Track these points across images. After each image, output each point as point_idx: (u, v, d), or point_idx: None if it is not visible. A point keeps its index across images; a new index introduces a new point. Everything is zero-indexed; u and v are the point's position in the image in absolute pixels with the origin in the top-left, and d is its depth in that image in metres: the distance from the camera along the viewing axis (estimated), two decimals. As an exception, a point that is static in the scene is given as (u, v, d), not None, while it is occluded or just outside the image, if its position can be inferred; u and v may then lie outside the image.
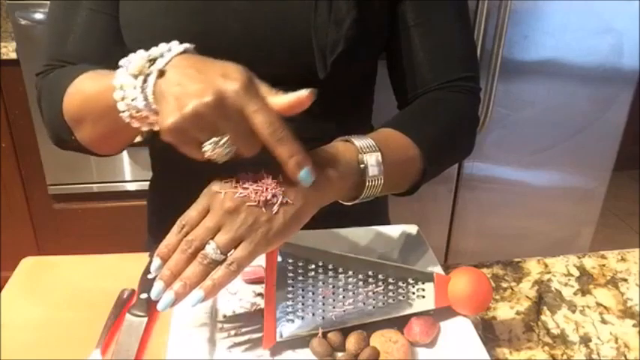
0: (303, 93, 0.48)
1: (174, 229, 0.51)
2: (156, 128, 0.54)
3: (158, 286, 0.50)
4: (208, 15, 0.67)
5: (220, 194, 0.51)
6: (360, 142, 0.58)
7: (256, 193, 0.51)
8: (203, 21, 0.67)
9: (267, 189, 0.51)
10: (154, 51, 0.51)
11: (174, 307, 0.50)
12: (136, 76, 0.50)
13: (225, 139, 0.48)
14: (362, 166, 0.57)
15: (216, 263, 0.50)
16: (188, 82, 0.47)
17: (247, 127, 0.47)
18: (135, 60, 0.51)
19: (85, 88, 0.62)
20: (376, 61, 0.78)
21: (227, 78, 0.47)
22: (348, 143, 0.58)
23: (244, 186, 0.51)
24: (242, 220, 0.50)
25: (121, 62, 0.52)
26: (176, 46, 0.52)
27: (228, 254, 0.50)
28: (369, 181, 0.57)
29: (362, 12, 0.67)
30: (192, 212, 0.51)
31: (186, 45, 0.52)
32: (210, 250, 0.50)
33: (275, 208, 0.51)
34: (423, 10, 0.72)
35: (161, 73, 0.49)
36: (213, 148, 0.48)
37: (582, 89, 1.75)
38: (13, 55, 1.55)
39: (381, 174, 0.58)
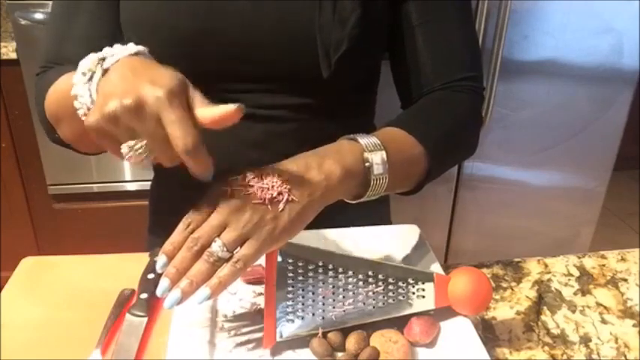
0: (231, 107, 0.46)
1: (180, 226, 0.51)
2: None
3: (164, 283, 0.50)
4: (211, 15, 0.67)
5: (226, 192, 0.51)
6: (365, 140, 0.58)
7: (262, 191, 0.51)
8: (205, 21, 0.67)
9: (272, 187, 0.51)
10: (107, 51, 0.51)
11: (180, 305, 0.50)
12: (85, 74, 0.51)
13: (141, 143, 0.47)
14: (367, 164, 0.57)
15: (222, 261, 0.50)
16: (118, 83, 0.47)
17: (165, 136, 0.46)
18: (87, 59, 0.51)
19: (61, 87, 0.62)
20: (380, 60, 0.78)
21: (154, 84, 0.46)
22: (353, 142, 0.58)
23: (250, 184, 0.51)
24: (248, 218, 0.50)
25: (80, 62, 0.52)
26: (130, 47, 0.52)
27: (234, 252, 0.50)
28: (374, 180, 0.58)
29: (366, 11, 0.67)
30: (198, 210, 0.51)
31: (139, 48, 0.52)
32: (217, 247, 0.50)
33: (281, 206, 0.51)
34: (427, 10, 0.73)
35: (105, 72, 0.50)
36: (128, 151, 0.48)
37: (582, 89, 1.75)
38: (13, 55, 1.55)
39: (386, 172, 0.58)
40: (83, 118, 0.52)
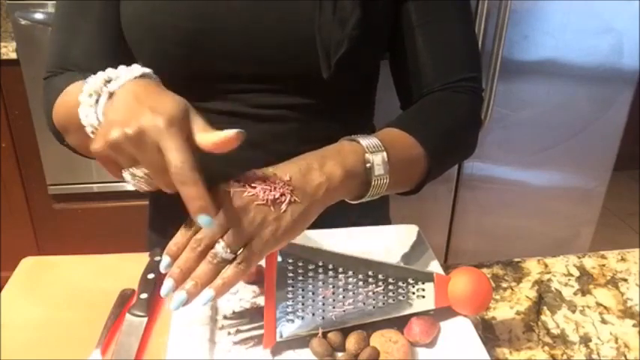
0: (231, 133, 0.47)
1: (183, 227, 0.52)
2: None
3: (168, 284, 0.50)
4: (211, 15, 0.67)
5: (229, 193, 0.51)
6: (366, 141, 0.58)
7: (264, 192, 0.51)
8: (205, 21, 0.67)
9: (275, 188, 0.51)
10: (112, 72, 0.52)
11: (185, 306, 0.50)
12: (91, 95, 0.52)
13: (141, 171, 0.49)
14: (368, 165, 0.57)
15: (225, 262, 0.50)
16: (121, 111, 0.48)
17: (163, 164, 0.47)
18: (93, 79, 0.52)
19: (67, 100, 0.63)
20: (379, 60, 0.78)
21: (154, 112, 0.47)
22: (354, 143, 0.59)
23: (253, 185, 0.51)
24: (251, 219, 0.50)
25: (87, 80, 0.53)
26: (135, 70, 0.52)
27: (238, 253, 0.51)
28: (374, 181, 0.58)
29: (366, 12, 0.67)
30: None
31: (145, 70, 0.53)
32: (220, 249, 0.50)
33: (283, 207, 0.51)
34: (426, 11, 0.73)
35: (111, 95, 0.51)
36: (130, 178, 0.50)
37: (582, 89, 1.75)
38: (13, 55, 1.55)
39: (387, 173, 0.58)
40: (91, 135, 0.53)
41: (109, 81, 0.52)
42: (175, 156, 0.46)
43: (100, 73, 0.52)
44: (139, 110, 0.47)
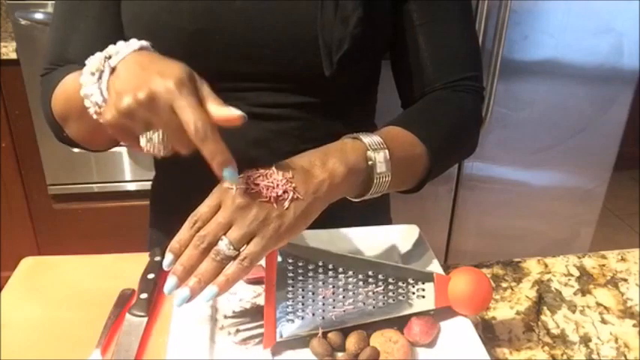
0: (235, 113, 0.48)
1: (186, 225, 0.52)
2: None
3: (171, 281, 0.50)
4: (212, 14, 0.67)
5: (232, 190, 0.51)
6: (368, 139, 0.59)
7: (267, 189, 0.51)
8: (207, 20, 0.68)
9: (278, 185, 0.52)
10: (111, 49, 0.53)
11: (189, 303, 0.50)
12: (93, 74, 0.52)
13: (157, 133, 0.50)
14: (370, 163, 0.58)
15: (229, 259, 0.50)
16: (129, 79, 0.49)
17: (179, 123, 0.47)
18: (94, 58, 0.53)
19: (66, 88, 0.64)
20: (380, 59, 0.79)
21: (163, 75, 0.48)
22: (356, 140, 0.59)
23: (255, 182, 0.52)
24: (254, 216, 0.51)
25: (86, 61, 0.54)
26: (133, 44, 0.53)
27: (241, 250, 0.51)
28: (376, 178, 0.58)
29: (368, 10, 0.67)
30: (204, 208, 0.52)
31: (143, 43, 0.54)
32: (223, 245, 0.50)
33: (286, 204, 0.52)
34: (428, 10, 0.73)
35: (113, 70, 0.51)
36: (146, 142, 0.50)
37: (582, 89, 1.75)
38: (13, 55, 1.55)
39: (389, 171, 0.58)
40: (95, 116, 0.54)
41: (109, 57, 0.52)
42: (191, 114, 0.46)
43: (98, 53, 0.53)
44: (147, 76, 0.48)
